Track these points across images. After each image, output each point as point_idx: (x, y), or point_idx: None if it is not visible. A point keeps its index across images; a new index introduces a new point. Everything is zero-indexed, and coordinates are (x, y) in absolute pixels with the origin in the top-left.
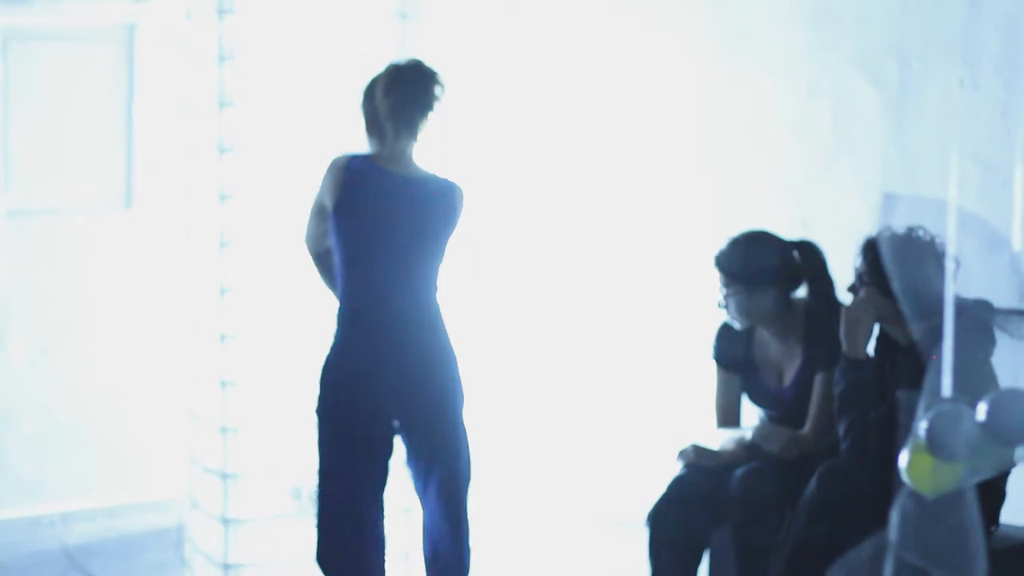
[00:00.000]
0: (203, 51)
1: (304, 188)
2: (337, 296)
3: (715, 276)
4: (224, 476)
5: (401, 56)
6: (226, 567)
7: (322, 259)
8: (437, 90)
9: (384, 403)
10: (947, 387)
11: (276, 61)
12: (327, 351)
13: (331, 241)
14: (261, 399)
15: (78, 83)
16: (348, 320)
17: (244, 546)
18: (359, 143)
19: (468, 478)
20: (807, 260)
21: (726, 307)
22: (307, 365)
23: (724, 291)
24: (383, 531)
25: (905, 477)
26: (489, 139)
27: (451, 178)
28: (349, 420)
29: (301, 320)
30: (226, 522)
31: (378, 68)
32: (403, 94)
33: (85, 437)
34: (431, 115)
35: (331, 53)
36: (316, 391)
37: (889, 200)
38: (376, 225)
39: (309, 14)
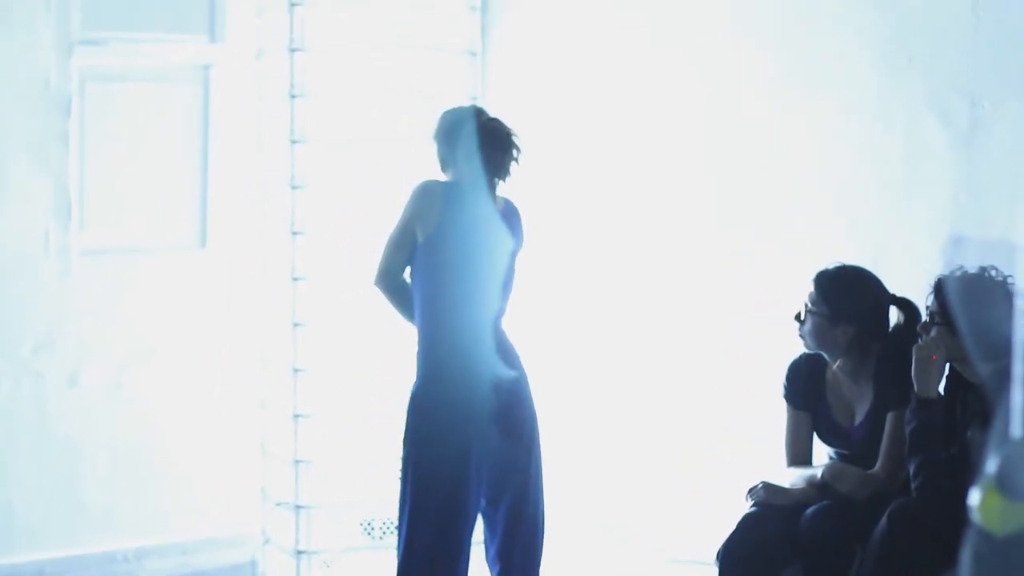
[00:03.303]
0: (275, 89)
1: (375, 223)
2: (418, 325)
3: (808, 288)
4: (296, 508)
5: (471, 92)
6: None
7: (397, 293)
8: (516, 153)
9: (479, 436)
10: (1017, 427)
11: (347, 98)
12: (417, 384)
13: (416, 269)
14: (333, 432)
15: (154, 123)
16: (439, 352)
17: (317, 574)
18: (429, 174)
19: (544, 524)
20: (905, 317)
21: (802, 323)
22: (378, 397)
23: (809, 307)
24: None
25: (975, 516)
26: (554, 175)
27: (508, 197)
28: (447, 455)
29: (372, 353)
30: (298, 554)
31: (450, 102)
32: (485, 161)
33: (159, 473)
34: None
35: (400, 90)
36: (409, 426)
37: (954, 241)
38: (467, 255)
39: (379, 51)
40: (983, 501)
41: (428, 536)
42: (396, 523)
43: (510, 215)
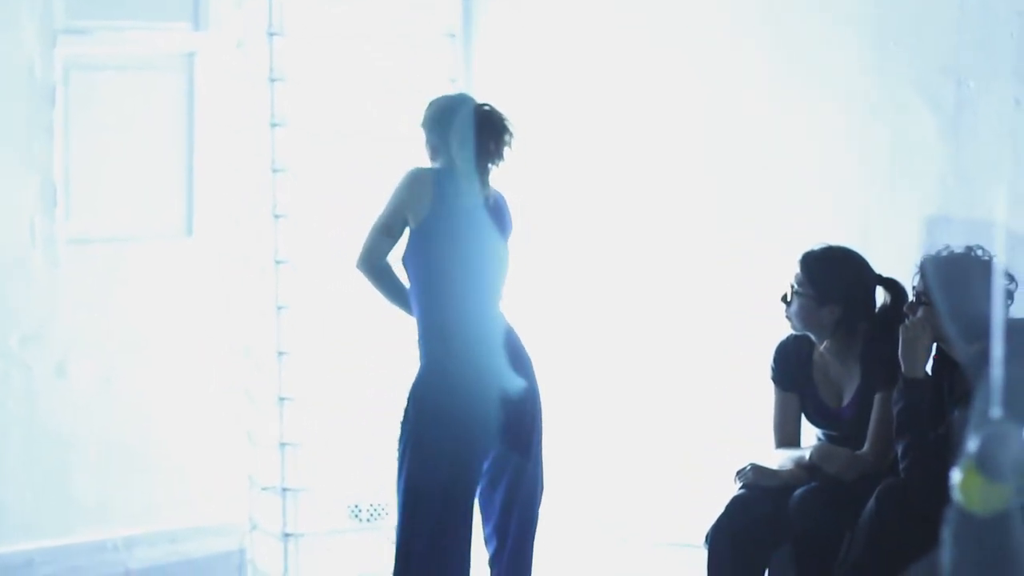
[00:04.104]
0: (256, 74)
1: (357, 205)
2: (416, 314)
3: (795, 270)
4: (283, 491)
5: (450, 75)
6: None
7: (380, 276)
8: (508, 138)
9: (488, 422)
10: (996, 407)
11: (326, 81)
12: (421, 373)
13: (411, 258)
14: (319, 416)
15: (139, 111)
16: (443, 341)
17: (304, 561)
18: (410, 159)
19: (541, 495)
20: (891, 298)
21: (788, 304)
22: (365, 380)
23: (795, 288)
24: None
25: (956, 496)
26: (537, 154)
27: (495, 186)
28: (454, 444)
29: (357, 335)
30: (286, 537)
31: (433, 86)
32: (479, 147)
33: (148, 462)
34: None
35: (380, 72)
36: (414, 415)
37: (934, 221)
38: (463, 242)
39: (358, 35)
40: (963, 481)
41: (430, 522)
42: (384, 506)
43: (499, 203)
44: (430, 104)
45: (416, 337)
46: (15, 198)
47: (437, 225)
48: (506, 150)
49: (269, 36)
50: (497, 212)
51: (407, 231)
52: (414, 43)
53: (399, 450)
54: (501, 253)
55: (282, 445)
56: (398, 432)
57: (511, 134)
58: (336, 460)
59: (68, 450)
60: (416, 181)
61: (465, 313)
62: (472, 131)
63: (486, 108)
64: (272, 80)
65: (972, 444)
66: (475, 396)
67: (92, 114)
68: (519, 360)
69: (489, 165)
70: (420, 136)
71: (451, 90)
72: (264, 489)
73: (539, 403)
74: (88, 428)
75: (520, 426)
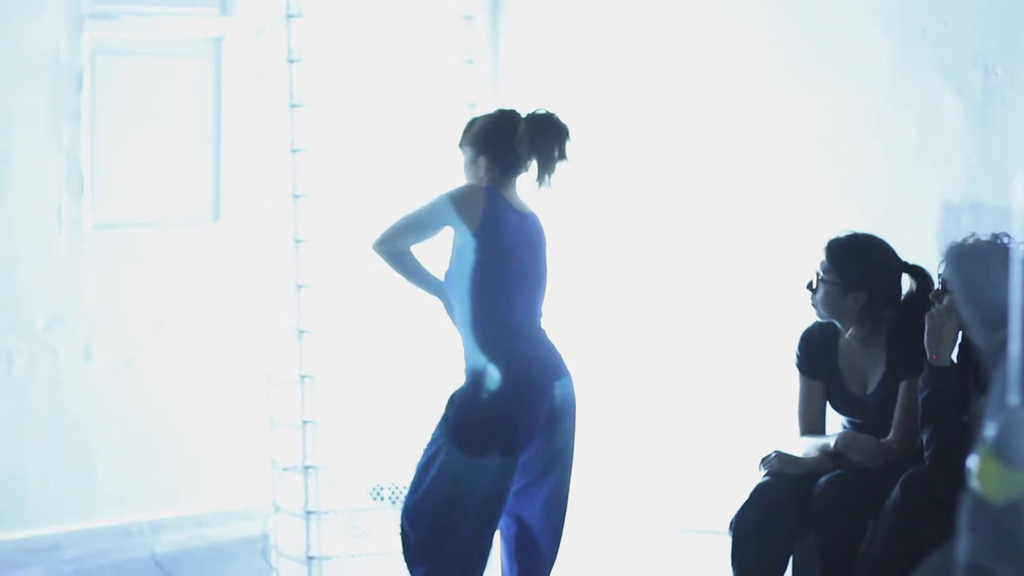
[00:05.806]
0: (277, 58)
1: (376, 185)
2: (462, 329)
3: (820, 257)
4: (305, 469)
5: (466, 57)
6: (309, 559)
7: (399, 258)
8: (569, 140)
9: (528, 435)
10: (1014, 395)
11: (344, 63)
12: (466, 386)
13: (457, 274)
14: (338, 394)
15: (165, 96)
16: (498, 352)
17: (327, 539)
18: (425, 141)
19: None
20: (917, 285)
21: (814, 291)
22: (384, 359)
23: (821, 275)
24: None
25: (974, 482)
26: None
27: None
28: (497, 459)
29: (377, 313)
30: (308, 515)
31: (450, 68)
32: (547, 152)
33: (172, 446)
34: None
35: (397, 53)
36: (457, 424)
37: (959, 209)
38: (511, 261)
39: (375, 16)
40: (981, 468)
41: (466, 530)
42: (405, 488)
43: (535, 219)
44: (472, 122)
45: (463, 351)
46: (41, 183)
47: (486, 244)
48: (568, 151)
49: (287, 18)
50: (536, 229)
51: (452, 247)
52: (432, 24)
53: (429, 451)
54: (543, 269)
55: (304, 423)
56: (433, 432)
57: (569, 136)
58: (358, 440)
59: (92, 433)
60: (468, 199)
61: (511, 329)
62: (538, 138)
63: (542, 113)
64: (291, 61)
65: (990, 431)
66: (518, 411)
67: (119, 99)
68: (560, 376)
69: (555, 168)
70: (460, 156)
71: (467, 72)
72: (286, 469)
73: (575, 417)
74: (112, 412)
75: (557, 435)
